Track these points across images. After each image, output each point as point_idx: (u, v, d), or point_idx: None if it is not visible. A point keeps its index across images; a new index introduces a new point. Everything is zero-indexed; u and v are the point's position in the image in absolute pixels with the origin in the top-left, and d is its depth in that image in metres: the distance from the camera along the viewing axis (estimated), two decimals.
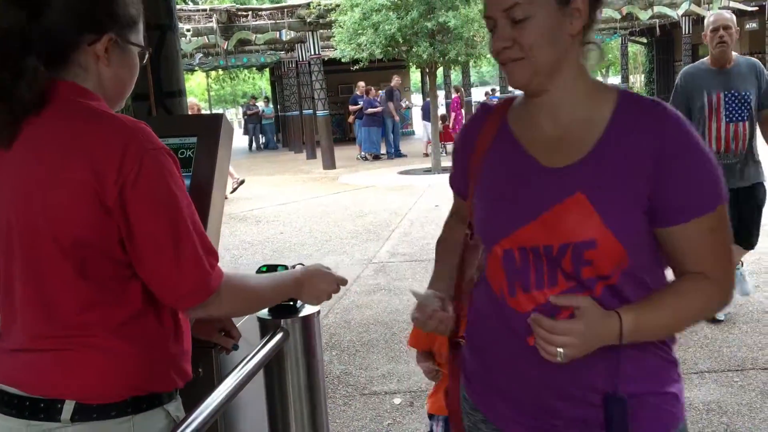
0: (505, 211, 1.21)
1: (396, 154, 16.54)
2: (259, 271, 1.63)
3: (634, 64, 26.14)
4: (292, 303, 1.66)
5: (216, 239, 1.83)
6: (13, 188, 1.16)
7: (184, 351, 1.30)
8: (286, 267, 1.63)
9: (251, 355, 1.47)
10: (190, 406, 1.27)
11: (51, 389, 1.17)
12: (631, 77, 23.50)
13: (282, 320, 1.61)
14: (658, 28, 19.32)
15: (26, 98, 1.13)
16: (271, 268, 1.63)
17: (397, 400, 3.43)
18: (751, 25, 17.06)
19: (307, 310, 1.64)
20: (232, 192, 10.67)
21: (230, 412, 1.77)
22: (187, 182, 1.51)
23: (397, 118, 16.24)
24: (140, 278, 1.18)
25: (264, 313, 1.64)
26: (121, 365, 1.18)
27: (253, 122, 23.23)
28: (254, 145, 23.35)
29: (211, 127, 1.68)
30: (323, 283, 1.48)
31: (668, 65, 22.60)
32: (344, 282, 1.53)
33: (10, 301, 1.20)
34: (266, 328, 1.62)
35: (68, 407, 1.15)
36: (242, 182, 11.06)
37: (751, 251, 4.86)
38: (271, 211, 9.60)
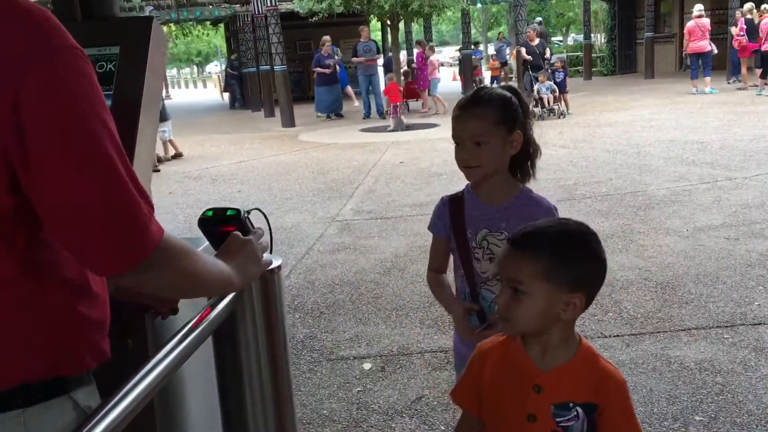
0: None
1: (378, 112, 14.93)
2: (204, 214, 1.31)
3: (595, 23, 25.93)
4: None
5: (147, 183, 1.50)
6: None
7: (99, 320, 0.98)
8: (238, 210, 1.31)
9: (195, 319, 1.16)
10: (114, 388, 0.97)
11: None
12: (592, 35, 23.25)
13: None
14: None
15: None
16: (219, 211, 1.31)
17: (366, 366, 3.16)
18: None
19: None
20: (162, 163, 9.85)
21: (171, 389, 1.46)
22: (108, 103, 1.17)
23: (360, 60, 14.73)
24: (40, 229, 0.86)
25: None
26: (6, 339, 0.86)
27: (232, 80, 22.07)
28: (236, 103, 22.17)
29: (137, 34, 1.31)
30: (253, 265, 1.23)
31: (630, 22, 22.42)
32: (265, 249, 1.29)
33: None
34: None
35: None
36: (179, 155, 10.35)
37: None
38: (227, 170, 9.16)
